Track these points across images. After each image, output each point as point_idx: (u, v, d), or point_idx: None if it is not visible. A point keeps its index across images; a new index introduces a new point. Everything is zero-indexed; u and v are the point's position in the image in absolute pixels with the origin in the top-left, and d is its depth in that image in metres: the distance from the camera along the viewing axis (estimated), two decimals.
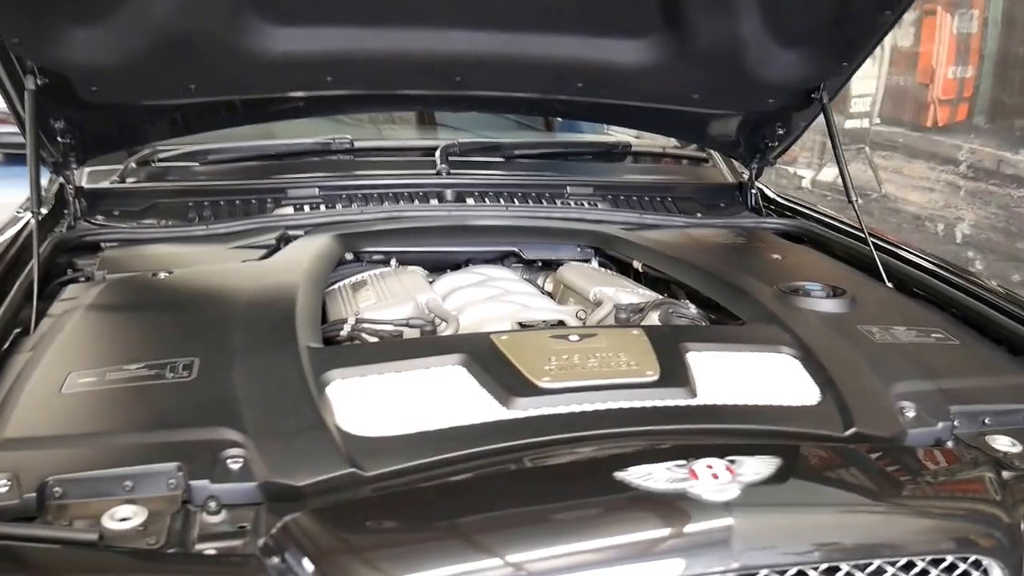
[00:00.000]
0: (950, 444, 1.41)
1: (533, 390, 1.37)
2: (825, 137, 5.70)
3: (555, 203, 2.31)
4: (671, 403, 1.39)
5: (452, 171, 2.35)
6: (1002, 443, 1.41)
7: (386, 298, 1.80)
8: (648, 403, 1.38)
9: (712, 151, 2.63)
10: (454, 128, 2.74)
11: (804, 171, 5.77)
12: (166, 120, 2.14)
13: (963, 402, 1.46)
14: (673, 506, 1.12)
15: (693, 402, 1.40)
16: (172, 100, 2.04)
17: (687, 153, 2.64)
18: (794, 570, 1.11)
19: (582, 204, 2.31)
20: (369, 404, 1.35)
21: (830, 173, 5.42)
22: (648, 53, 2.08)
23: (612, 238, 2.09)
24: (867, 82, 5.22)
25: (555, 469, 1.24)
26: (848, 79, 2.20)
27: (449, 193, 2.28)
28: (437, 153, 2.37)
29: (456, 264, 2.09)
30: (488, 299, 1.86)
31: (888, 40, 4.97)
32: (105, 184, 2.22)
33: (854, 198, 2.15)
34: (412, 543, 1.10)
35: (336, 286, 1.91)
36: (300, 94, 2.10)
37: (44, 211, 2.01)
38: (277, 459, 1.18)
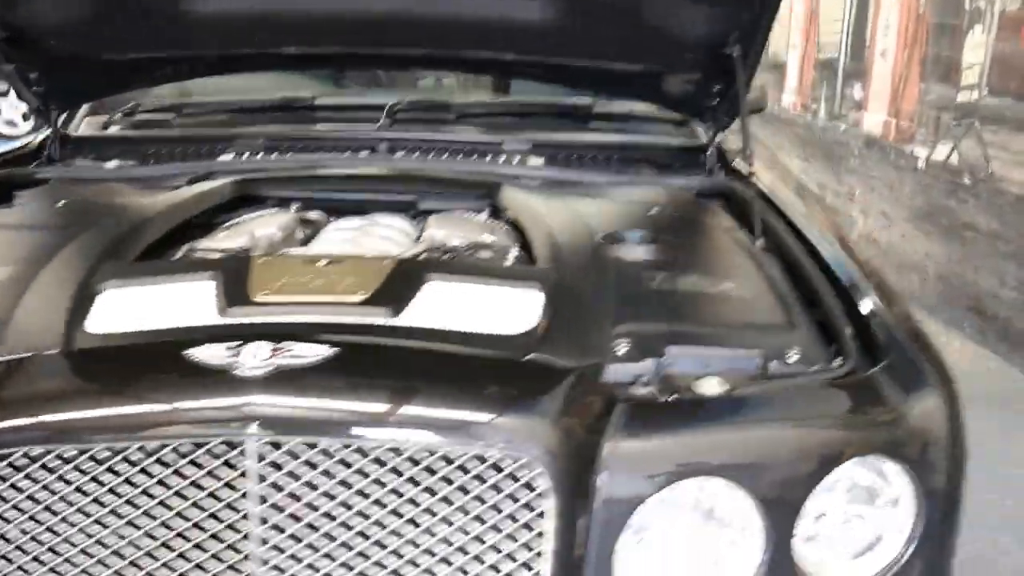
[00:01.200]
0: (645, 379, 1.40)
1: (246, 302, 1.50)
2: (940, 112, 5.26)
3: (488, 159, 2.35)
4: (359, 320, 1.46)
5: (394, 126, 2.46)
6: (707, 385, 1.39)
7: (239, 235, 1.96)
8: (335, 319, 1.46)
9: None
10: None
11: (920, 149, 5.29)
12: (123, 73, 2.39)
13: (686, 344, 1.42)
14: (207, 377, 1.23)
15: (384, 321, 1.47)
16: (120, 55, 2.30)
17: (659, 115, 2.58)
18: (315, 447, 1.20)
19: (511, 161, 2.34)
20: (120, 308, 1.53)
21: (943, 151, 4.95)
22: (549, 8, 2.10)
23: (497, 190, 2.12)
24: (976, 51, 4.70)
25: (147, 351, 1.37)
26: (763, 35, 2.09)
27: (383, 146, 2.38)
28: (385, 110, 2.48)
29: (361, 212, 2.19)
30: (343, 240, 1.98)
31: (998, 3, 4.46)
32: (87, 133, 2.53)
33: (749, 151, 2.07)
34: None
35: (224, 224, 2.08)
36: (238, 51, 2.30)
37: None
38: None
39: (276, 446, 1.20)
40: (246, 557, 1.21)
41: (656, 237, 1.79)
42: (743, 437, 1.32)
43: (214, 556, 1.22)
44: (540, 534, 1.22)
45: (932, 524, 1.34)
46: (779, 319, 1.57)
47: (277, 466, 1.20)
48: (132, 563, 1.23)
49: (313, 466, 1.20)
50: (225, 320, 1.46)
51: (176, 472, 1.20)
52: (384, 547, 1.22)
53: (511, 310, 1.55)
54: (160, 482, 1.20)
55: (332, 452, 1.20)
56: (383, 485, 1.20)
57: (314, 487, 1.20)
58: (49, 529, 1.23)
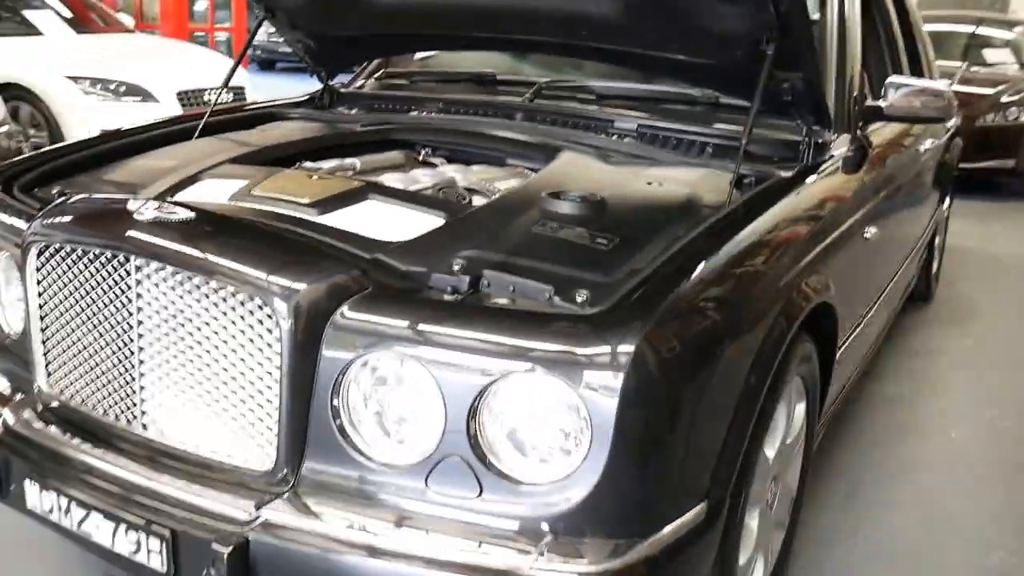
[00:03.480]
0: (452, 289, 1.74)
1: (245, 194, 2.13)
2: None
3: (595, 133, 2.69)
4: (290, 212, 2.01)
5: (536, 100, 2.89)
6: (495, 297, 1.72)
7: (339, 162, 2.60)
8: (279, 210, 2.03)
9: None
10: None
11: None
12: (362, 48, 3.18)
13: (504, 272, 1.75)
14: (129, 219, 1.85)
15: (304, 215, 2.00)
16: (347, 32, 3.03)
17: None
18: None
19: (612, 136, 2.66)
20: (196, 190, 2.25)
21: None
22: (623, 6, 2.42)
23: (555, 153, 2.49)
24: None
25: None
26: (799, 33, 2.21)
27: (519, 115, 2.84)
28: (534, 87, 2.93)
29: (467, 162, 2.69)
30: (406, 177, 2.50)
31: None
32: (348, 90, 3.30)
33: (744, 142, 2.21)
34: None
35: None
36: (436, 32, 2.93)
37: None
38: None
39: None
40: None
41: (597, 199, 2.04)
42: (438, 330, 1.62)
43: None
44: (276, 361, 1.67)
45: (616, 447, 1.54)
46: (604, 274, 1.76)
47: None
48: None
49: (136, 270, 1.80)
50: (226, 201, 2.09)
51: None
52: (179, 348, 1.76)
53: (407, 227, 1.98)
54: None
55: (159, 271, 1.77)
56: (187, 299, 1.74)
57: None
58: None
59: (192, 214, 1.86)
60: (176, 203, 1.94)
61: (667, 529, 1.64)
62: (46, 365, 1.98)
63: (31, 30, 7.37)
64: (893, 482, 3.04)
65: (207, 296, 1.73)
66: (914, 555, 2.65)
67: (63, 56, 6.91)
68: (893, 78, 2.88)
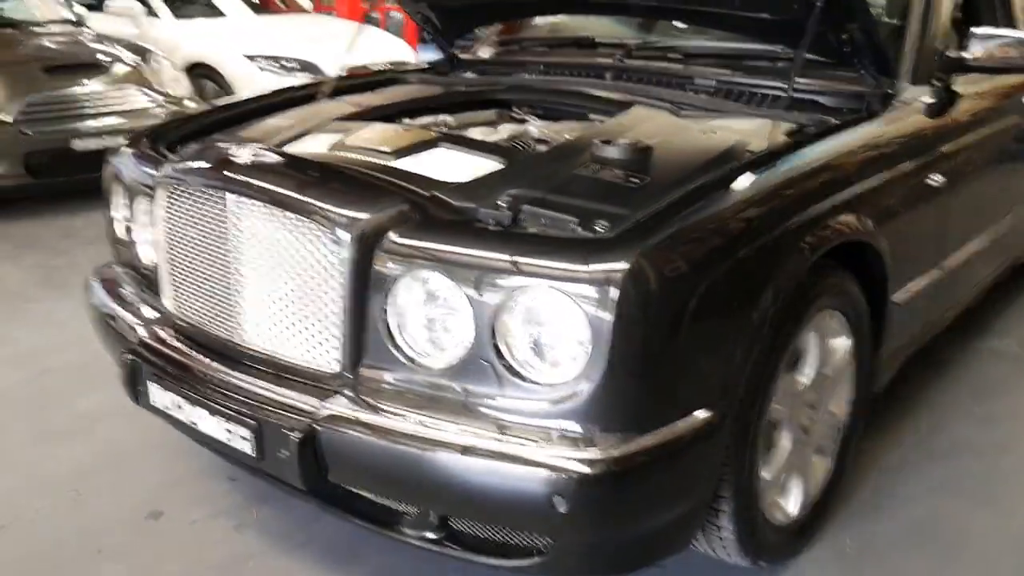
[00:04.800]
0: (495, 222, 2.00)
1: (341, 145, 2.46)
2: None
3: (675, 89, 2.88)
4: (371, 159, 2.33)
5: (625, 60, 3.10)
6: (530, 228, 1.98)
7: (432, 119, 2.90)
8: (364, 157, 2.35)
9: None
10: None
11: None
12: (477, 14, 3.48)
13: (541, 207, 2.01)
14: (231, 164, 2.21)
15: (383, 161, 2.31)
16: (462, 2, 3.33)
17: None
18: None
19: (689, 92, 2.84)
20: (305, 143, 2.59)
21: None
22: None
23: (627, 107, 2.70)
24: None
25: None
26: None
27: (609, 74, 3.06)
28: (625, 48, 3.14)
29: (556, 119, 2.94)
30: (489, 130, 2.79)
31: None
32: (467, 56, 3.60)
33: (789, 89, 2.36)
34: None
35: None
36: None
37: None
38: None
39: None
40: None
41: (642, 145, 2.23)
42: (468, 251, 1.88)
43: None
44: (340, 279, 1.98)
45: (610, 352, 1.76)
46: (627, 207, 1.95)
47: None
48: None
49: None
50: (325, 152, 2.43)
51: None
52: (268, 270, 2.09)
53: (469, 170, 2.26)
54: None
55: (251, 205, 2.11)
56: (272, 228, 2.07)
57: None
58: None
59: (278, 158, 2.19)
60: (270, 149, 2.28)
61: (666, 429, 1.85)
62: (173, 290, 2.37)
63: (215, 12, 8.06)
64: (975, 429, 3.09)
65: (286, 225, 2.06)
66: (977, 496, 2.72)
67: (242, 36, 7.54)
68: (978, 29, 2.91)
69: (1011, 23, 3.66)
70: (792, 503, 2.37)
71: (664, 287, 1.80)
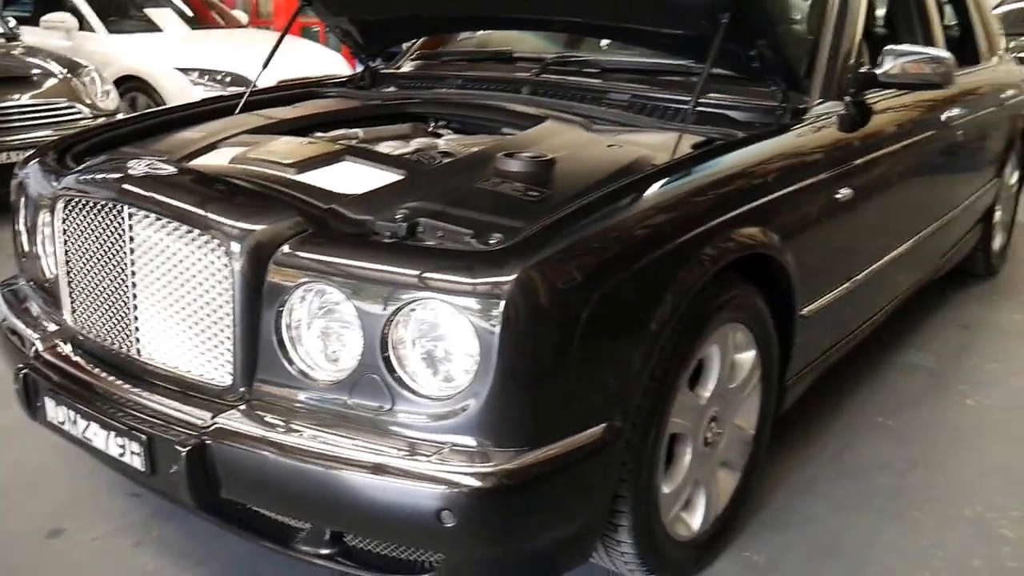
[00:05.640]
0: (391, 234, 1.99)
1: (242, 158, 2.43)
2: None
3: (589, 104, 2.89)
4: (273, 172, 2.30)
5: (542, 75, 3.11)
6: (427, 240, 1.96)
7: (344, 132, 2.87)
8: (266, 170, 2.32)
9: None
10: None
11: None
12: (395, 31, 3.46)
13: (436, 219, 2.00)
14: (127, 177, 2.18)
15: (283, 174, 2.29)
16: (380, 17, 3.32)
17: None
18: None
19: (603, 106, 2.85)
20: (212, 155, 2.57)
21: None
22: None
23: (540, 121, 2.70)
24: None
25: None
26: (756, 7, 2.38)
27: (525, 88, 3.06)
28: (542, 62, 3.15)
29: (469, 132, 2.93)
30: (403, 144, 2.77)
31: None
32: (387, 70, 3.58)
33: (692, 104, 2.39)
34: None
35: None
36: (458, 15, 3.21)
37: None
38: None
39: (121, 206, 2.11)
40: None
41: (545, 159, 2.23)
42: (359, 264, 1.86)
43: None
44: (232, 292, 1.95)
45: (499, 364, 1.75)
46: (523, 220, 1.94)
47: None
48: None
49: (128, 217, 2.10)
50: (227, 164, 2.39)
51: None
52: (163, 283, 2.06)
53: (371, 182, 2.24)
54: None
55: (145, 218, 2.07)
56: (166, 240, 2.04)
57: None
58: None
59: (173, 170, 2.16)
60: (165, 162, 2.25)
61: (560, 443, 1.84)
62: (71, 303, 2.32)
63: (152, 27, 7.98)
64: (886, 445, 3.12)
65: (180, 237, 2.02)
66: (884, 511, 2.75)
67: (176, 50, 7.47)
68: (891, 47, 2.97)
69: (931, 42, 3.73)
70: (697, 518, 2.37)
71: (553, 299, 1.79)
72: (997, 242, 4.85)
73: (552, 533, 1.93)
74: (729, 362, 2.35)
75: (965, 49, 4.27)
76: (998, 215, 4.73)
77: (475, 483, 1.74)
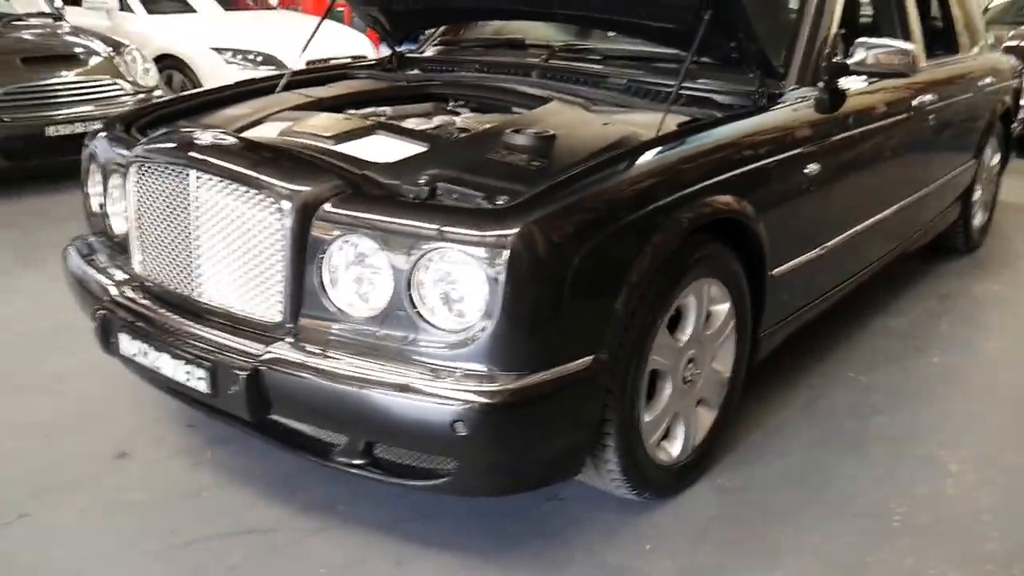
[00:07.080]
0: (415, 195, 2.38)
1: (289, 132, 2.81)
2: None
3: (588, 86, 3.26)
4: (313, 143, 2.68)
5: (550, 60, 3.48)
6: (444, 201, 2.34)
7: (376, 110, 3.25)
8: (308, 142, 2.70)
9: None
10: None
11: None
12: (415, 19, 3.83)
13: (452, 184, 2.38)
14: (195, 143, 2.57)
15: (323, 144, 2.67)
16: (408, 7, 3.69)
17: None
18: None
19: (604, 88, 3.22)
20: (259, 129, 2.94)
21: None
22: None
23: (545, 101, 3.07)
24: None
25: None
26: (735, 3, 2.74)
27: (535, 72, 3.43)
28: (551, 49, 3.53)
29: (488, 111, 3.30)
30: (425, 121, 3.14)
31: None
32: (412, 55, 3.96)
33: (676, 87, 2.75)
34: None
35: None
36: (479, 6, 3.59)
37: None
38: None
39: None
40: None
41: (547, 134, 2.60)
42: (389, 219, 2.24)
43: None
44: (283, 242, 2.33)
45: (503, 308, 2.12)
46: (526, 185, 2.32)
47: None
48: None
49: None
50: (276, 136, 2.78)
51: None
52: (222, 236, 2.45)
53: (398, 152, 2.62)
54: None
55: (210, 180, 2.46)
56: (227, 200, 2.42)
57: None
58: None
59: (235, 140, 2.55)
60: (228, 133, 2.63)
61: (553, 370, 2.22)
62: (140, 254, 2.71)
63: (187, 8, 8.39)
64: (855, 395, 3.49)
65: (239, 197, 2.41)
66: (846, 448, 3.11)
67: (211, 30, 7.87)
68: (863, 39, 3.32)
69: (907, 35, 4.06)
70: (676, 446, 2.75)
71: (549, 250, 2.17)
72: (977, 220, 5.18)
73: (547, 445, 2.31)
74: (705, 312, 2.72)
75: (947, 40, 4.61)
76: (978, 194, 5.06)
77: (483, 400, 2.12)
